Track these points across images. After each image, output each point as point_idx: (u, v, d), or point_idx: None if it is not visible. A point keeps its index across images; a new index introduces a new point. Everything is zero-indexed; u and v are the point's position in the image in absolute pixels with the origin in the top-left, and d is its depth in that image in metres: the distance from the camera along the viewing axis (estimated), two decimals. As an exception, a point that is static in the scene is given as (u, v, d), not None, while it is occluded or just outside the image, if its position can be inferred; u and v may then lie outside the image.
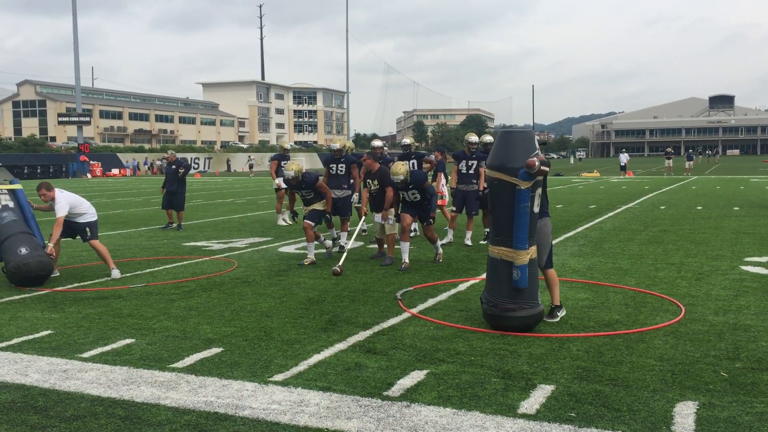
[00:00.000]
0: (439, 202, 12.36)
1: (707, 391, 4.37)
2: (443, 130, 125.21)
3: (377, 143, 12.36)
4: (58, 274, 9.11)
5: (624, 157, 42.51)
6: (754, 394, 4.30)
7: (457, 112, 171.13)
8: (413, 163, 11.93)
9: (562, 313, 6.30)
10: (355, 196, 11.48)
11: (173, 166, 15.12)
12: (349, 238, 11.29)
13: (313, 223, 9.73)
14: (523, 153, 5.78)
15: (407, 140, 12.87)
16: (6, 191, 8.95)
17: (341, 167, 11.21)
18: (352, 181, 11.41)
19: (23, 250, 8.26)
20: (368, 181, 10.01)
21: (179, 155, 66.85)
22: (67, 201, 8.80)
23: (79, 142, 58.38)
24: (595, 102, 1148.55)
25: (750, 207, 18.08)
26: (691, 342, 5.47)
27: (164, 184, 15.26)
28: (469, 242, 11.29)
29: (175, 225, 15.04)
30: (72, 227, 8.94)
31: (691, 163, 44.12)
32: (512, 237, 5.78)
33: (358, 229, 10.47)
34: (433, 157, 12.87)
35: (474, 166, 11.21)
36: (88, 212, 9.02)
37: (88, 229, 8.94)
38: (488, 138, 11.72)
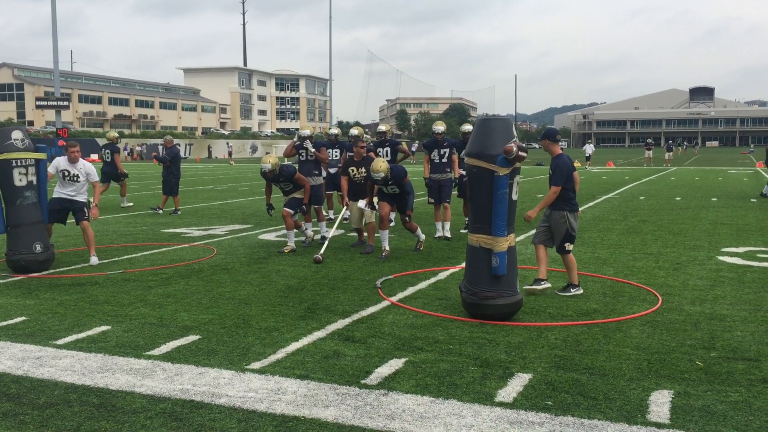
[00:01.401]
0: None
1: (683, 380, 4.40)
2: (426, 118, 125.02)
3: (382, 127, 12.48)
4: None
5: (589, 148, 42.57)
6: (728, 383, 4.34)
7: (441, 101, 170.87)
8: (387, 150, 11.86)
9: (576, 291, 6.83)
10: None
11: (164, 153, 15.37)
12: (330, 226, 11.27)
13: (292, 211, 9.67)
14: (501, 140, 5.79)
15: (382, 127, 12.66)
16: (33, 161, 8.32)
17: (311, 154, 10.98)
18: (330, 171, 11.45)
19: (38, 248, 8.15)
20: (351, 168, 9.93)
21: (158, 141, 66.39)
22: (92, 167, 9.06)
23: (57, 126, 57.56)
24: (579, 93, 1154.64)
25: (728, 198, 18.27)
26: (668, 331, 5.52)
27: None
28: (447, 234, 10.86)
29: (161, 210, 15.22)
30: (72, 204, 8.83)
31: (671, 154, 44.41)
32: (491, 224, 5.79)
33: (340, 217, 10.44)
34: (405, 145, 12.84)
35: (446, 155, 10.96)
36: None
37: (86, 209, 8.88)
38: (467, 127, 11.63)
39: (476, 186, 5.95)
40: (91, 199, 9.17)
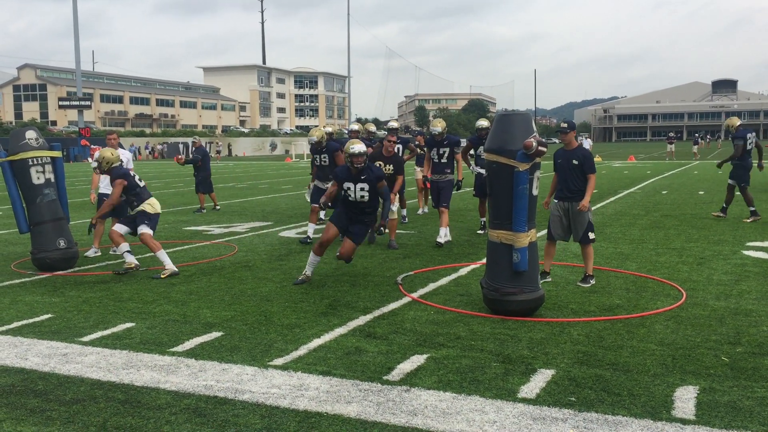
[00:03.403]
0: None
1: (708, 375, 4.36)
2: (445, 114, 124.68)
3: (394, 124, 11.86)
4: (99, 252, 9.48)
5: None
6: (754, 378, 4.29)
7: (459, 97, 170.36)
8: (398, 148, 11.71)
9: (593, 281, 7.02)
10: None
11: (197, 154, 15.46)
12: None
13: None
14: (521, 135, 5.76)
15: (394, 124, 12.27)
16: (49, 159, 8.45)
17: (324, 158, 10.20)
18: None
19: (62, 243, 8.27)
20: (379, 162, 9.40)
21: (179, 140, 66.97)
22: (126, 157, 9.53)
23: (79, 126, 58.35)
24: (599, 87, 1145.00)
25: (752, 192, 17.98)
26: (692, 327, 5.46)
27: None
28: (441, 240, 9.80)
29: (206, 208, 15.39)
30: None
31: (698, 146, 44.25)
32: (511, 220, 5.77)
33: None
34: (417, 142, 12.78)
35: (446, 154, 10.12)
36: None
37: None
38: (482, 123, 10.90)
39: (496, 182, 5.92)
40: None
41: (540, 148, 5.67)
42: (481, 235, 10.76)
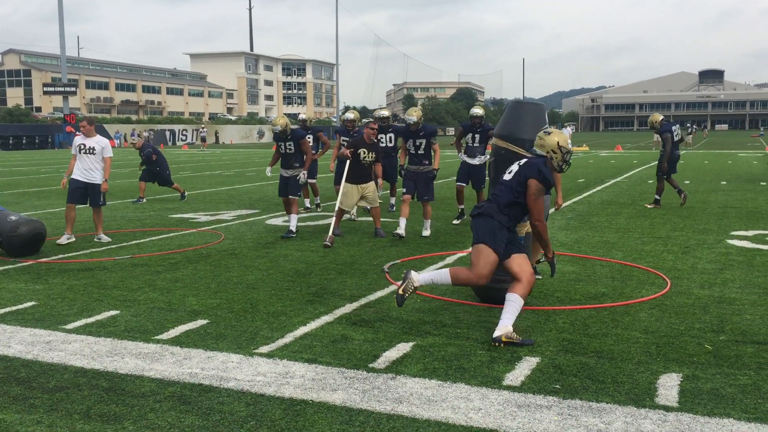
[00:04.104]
0: None
1: (691, 363, 4.39)
2: (433, 103, 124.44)
3: (385, 113, 12.07)
4: (73, 239, 9.32)
5: (567, 132, 42.62)
6: (737, 366, 4.33)
7: (448, 85, 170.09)
8: (390, 137, 11.68)
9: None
10: (302, 176, 9.73)
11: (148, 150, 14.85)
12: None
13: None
14: (533, 125, 5.73)
15: (385, 112, 12.14)
16: None
17: (290, 145, 9.76)
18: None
19: (13, 218, 8.23)
20: (362, 150, 9.36)
21: (166, 127, 66.44)
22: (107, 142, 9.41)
23: (65, 112, 57.69)
24: (588, 77, 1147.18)
25: (737, 182, 18.16)
26: (676, 315, 5.50)
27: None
28: (427, 232, 9.67)
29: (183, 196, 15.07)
30: (88, 187, 9.24)
31: (691, 136, 44.56)
32: None
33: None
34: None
35: (422, 145, 9.74)
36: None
37: (102, 194, 9.28)
38: (476, 111, 10.84)
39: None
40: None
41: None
42: (457, 225, 10.67)
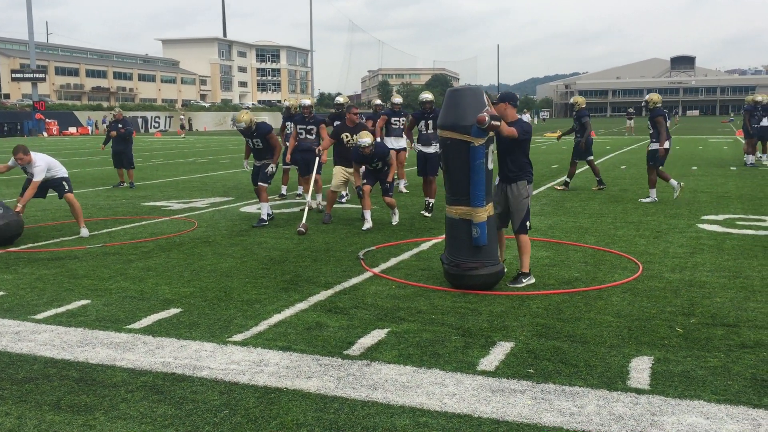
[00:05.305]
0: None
1: (662, 346, 4.44)
2: (408, 89, 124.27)
3: (340, 99, 12.46)
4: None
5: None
6: (707, 349, 4.39)
7: (423, 72, 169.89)
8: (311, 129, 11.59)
9: (528, 281, 6.03)
10: (270, 168, 9.40)
11: (119, 125, 15.07)
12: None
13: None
14: (473, 110, 5.72)
15: (340, 99, 12.31)
16: None
17: (257, 141, 9.43)
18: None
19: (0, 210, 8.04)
20: (345, 134, 9.85)
21: (139, 114, 65.59)
22: (46, 164, 8.57)
23: (34, 99, 56.69)
24: (563, 63, 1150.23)
25: (708, 166, 18.40)
26: (648, 298, 5.56)
27: (106, 142, 15.50)
28: (395, 219, 9.55)
29: (126, 184, 15.17)
30: (47, 184, 8.78)
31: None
32: (469, 195, 5.76)
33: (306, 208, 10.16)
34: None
35: (430, 125, 10.13)
36: (62, 168, 8.95)
37: (65, 183, 8.84)
38: (426, 96, 10.55)
39: (452, 158, 5.89)
40: (67, 174, 9.03)
41: (493, 122, 5.60)
42: (427, 217, 10.05)
